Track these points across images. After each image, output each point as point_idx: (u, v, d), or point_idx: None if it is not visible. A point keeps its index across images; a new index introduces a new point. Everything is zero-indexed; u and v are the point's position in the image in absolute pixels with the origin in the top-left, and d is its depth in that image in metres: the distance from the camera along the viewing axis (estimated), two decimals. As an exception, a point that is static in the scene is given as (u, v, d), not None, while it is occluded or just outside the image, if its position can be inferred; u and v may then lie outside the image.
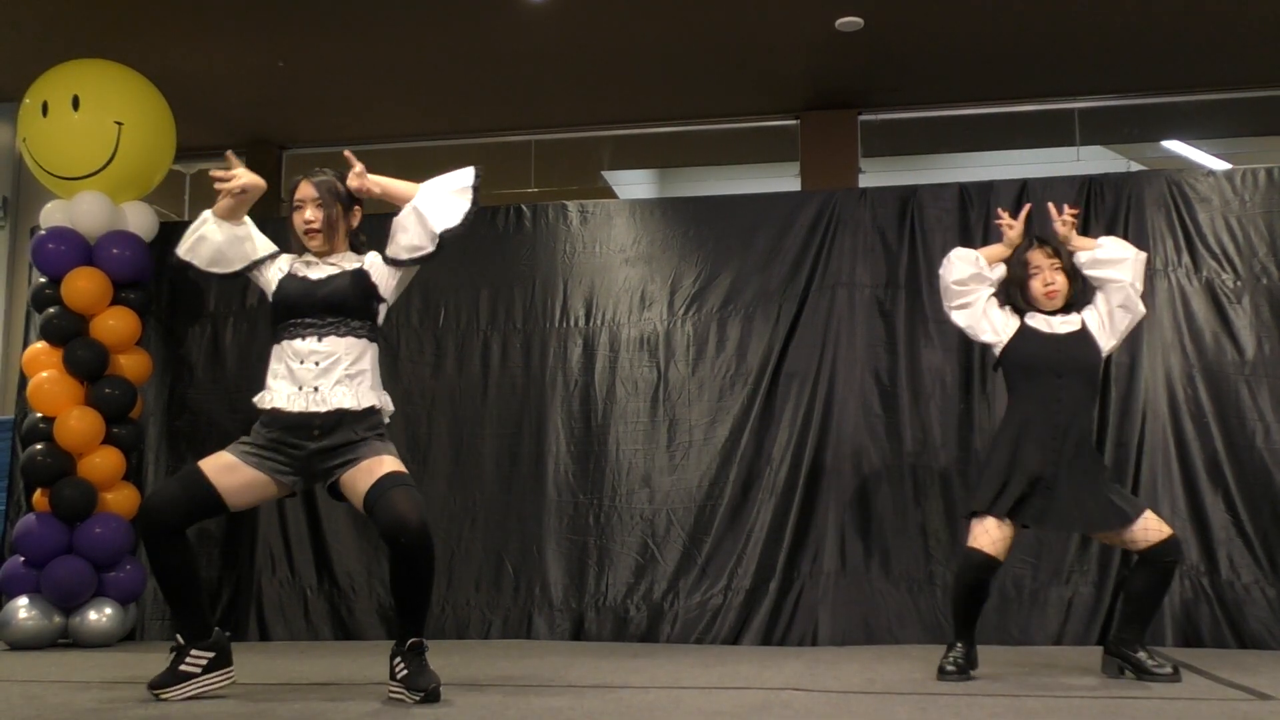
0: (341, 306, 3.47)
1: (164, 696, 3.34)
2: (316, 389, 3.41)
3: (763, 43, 5.92)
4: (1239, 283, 5.20)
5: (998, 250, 4.13)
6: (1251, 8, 5.46)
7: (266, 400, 3.47)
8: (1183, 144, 7.44)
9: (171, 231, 5.99)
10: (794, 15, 5.62)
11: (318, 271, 3.55)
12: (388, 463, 3.39)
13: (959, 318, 4.08)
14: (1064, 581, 5.08)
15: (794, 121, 6.82)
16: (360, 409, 3.43)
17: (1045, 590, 5.10)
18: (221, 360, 5.93)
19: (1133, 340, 5.17)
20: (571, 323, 5.70)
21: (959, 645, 3.91)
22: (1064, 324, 3.98)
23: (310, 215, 3.53)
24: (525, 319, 5.74)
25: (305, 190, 3.55)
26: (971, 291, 4.04)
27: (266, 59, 6.13)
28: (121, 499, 5.43)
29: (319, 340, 3.45)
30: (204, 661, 3.42)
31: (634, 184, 8.36)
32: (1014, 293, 4.06)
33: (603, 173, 8.08)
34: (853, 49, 5.93)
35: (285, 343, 3.48)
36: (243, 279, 3.68)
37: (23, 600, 5.18)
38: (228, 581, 5.74)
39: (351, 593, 5.62)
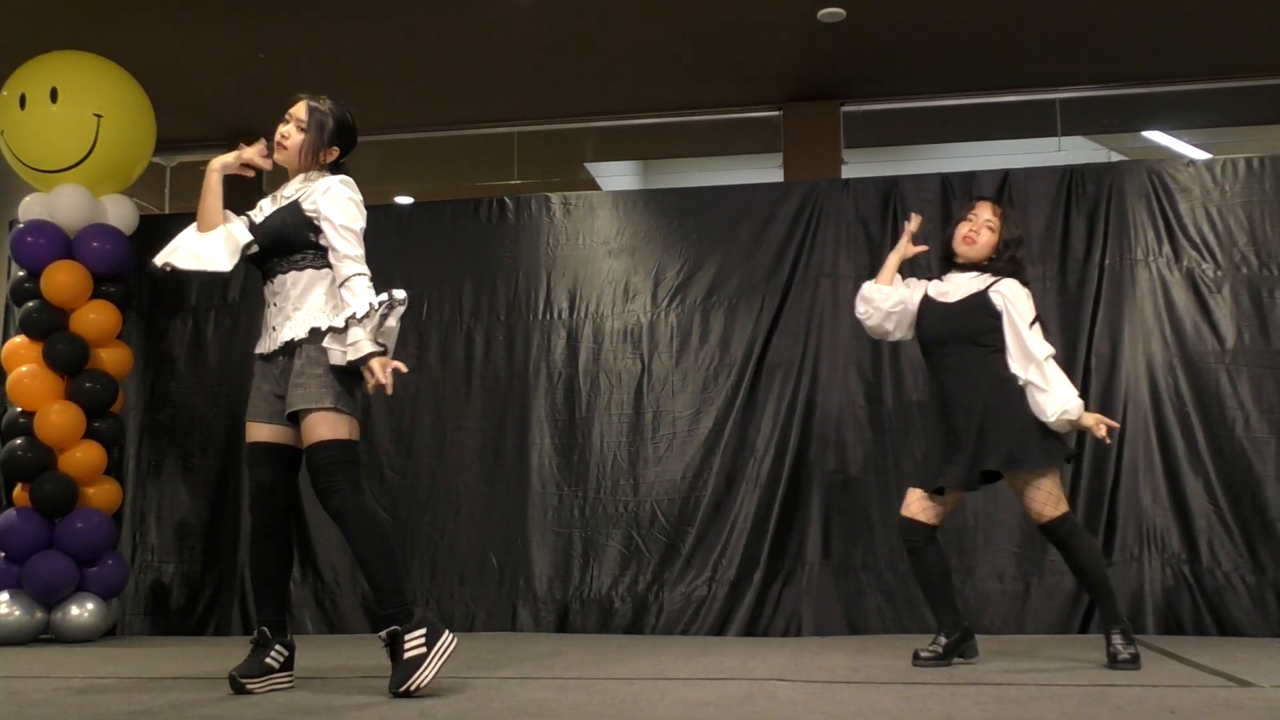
0: (280, 242, 3.44)
1: (250, 687, 3.31)
2: (274, 329, 3.44)
3: (745, 34, 5.91)
4: (1219, 272, 5.22)
5: (891, 262, 4.24)
6: (1231, -2, 5.49)
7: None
8: (1164, 134, 7.46)
9: (152, 225, 5.97)
10: (776, 6, 5.61)
11: (268, 207, 3.53)
12: (318, 429, 3.30)
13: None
14: (1046, 571, 5.10)
15: (777, 113, 6.82)
16: (304, 335, 3.36)
17: (1027, 580, 5.13)
18: (203, 354, 5.91)
19: (1114, 330, 5.21)
20: (555, 315, 5.69)
21: (941, 634, 3.95)
22: (963, 289, 4.00)
23: (286, 131, 3.53)
24: (508, 311, 5.73)
25: (299, 109, 3.55)
26: (886, 327, 4.22)
27: (247, 50, 6.09)
28: (103, 494, 5.40)
29: (272, 281, 3.47)
30: (281, 658, 3.42)
31: (617, 175, 8.33)
32: (947, 237, 4.12)
33: (586, 164, 8.06)
34: (835, 40, 5.92)
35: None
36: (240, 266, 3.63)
37: (4, 596, 5.15)
38: (211, 575, 5.73)
39: (335, 586, 5.62)
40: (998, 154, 7.33)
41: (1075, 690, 3.31)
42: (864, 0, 5.57)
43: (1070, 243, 5.36)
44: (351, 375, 3.37)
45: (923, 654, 3.90)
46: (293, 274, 3.43)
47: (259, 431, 3.44)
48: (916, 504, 4.01)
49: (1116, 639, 3.79)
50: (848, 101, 6.71)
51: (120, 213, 5.60)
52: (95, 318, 5.40)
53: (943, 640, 3.93)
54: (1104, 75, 6.39)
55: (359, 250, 3.41)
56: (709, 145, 7.71)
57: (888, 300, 4.16)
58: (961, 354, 3.93)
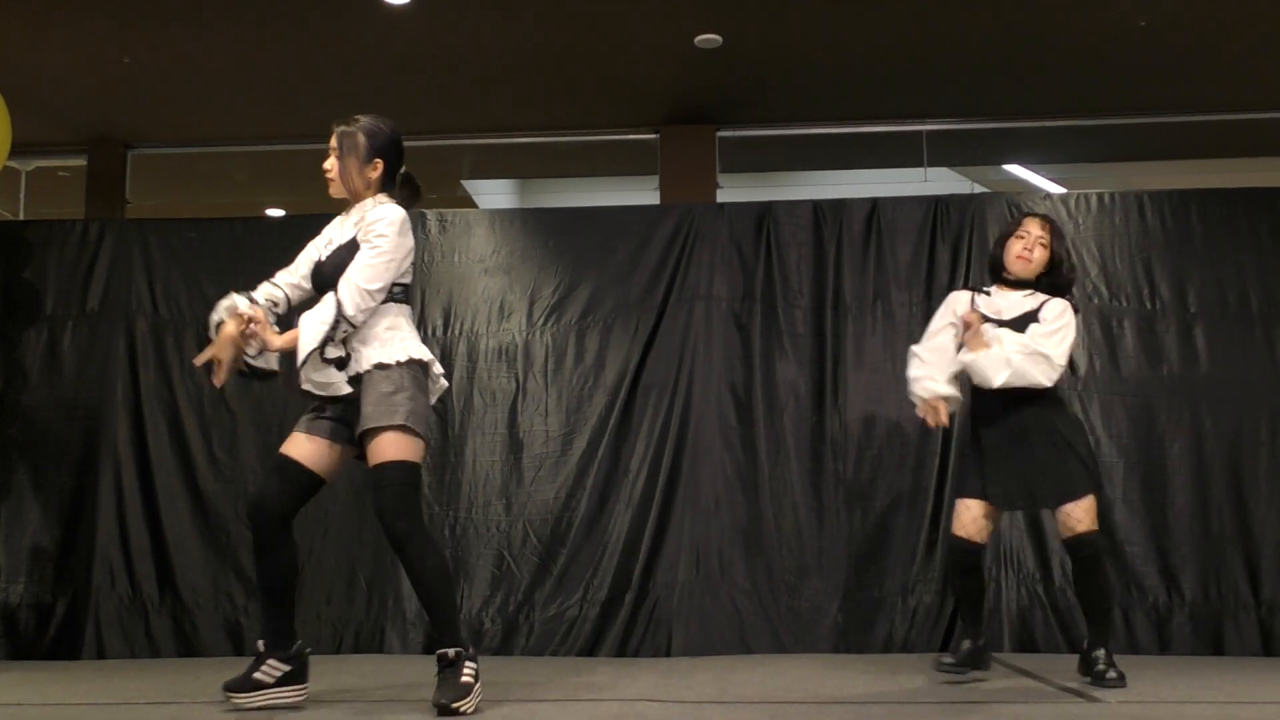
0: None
1: (236, 700, 3.33)
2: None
3: (624, 56, 5.96)
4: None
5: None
6: (1089, 40, 5.74)
7: None
8: (1023, 168, 7.75)
9: (7, 230, 5.74)
10: (654, 31, 5.68)
11: (334, 240, 3.57)
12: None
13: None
14: (909, 590, 5.23)
15: (654, 135, 6.89)
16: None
17: (891, 599, 5.24)
18: (59, 366, 5.68)
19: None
20: (429, 332, 5.63)
21: (966, 640, 4.03)
22: (1016, 307, 4.01)
23: (328, 165, 3.59)
24: (381, 327, 5.64)
25: (331, 139, 3.60)
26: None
27: (111, 52, 5.90)
28: (-54, 511, 5.15)
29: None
30: (278, 673, 3.42)
31: (494, 194, 8.30)
32: (997, 255, 4.11)
33: (462, 181, 8.01)
34: (712, 66, 6.02)
35: None
36: None
37: None
38: (62, 597, 5.49)
39: (195, 607, 5.44)
40: (868, 183, 7.52)
41: (933, 707, 3.41)
42: (740, 29, 5.68)
43: (935, 270, 5.52)
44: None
45: (944, 660, 3.98)
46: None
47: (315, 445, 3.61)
48: (966, 519, 3.95)
49: (1101, 654, 3.84)
50: (723, 126, 6.81)
51: (-29, 218, 5.36)
52: (-58, 327, 5.16)
53: (967, 645, 4.01)
54: (969, 109, 6.62)
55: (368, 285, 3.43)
56: (586, 165, 7.74)
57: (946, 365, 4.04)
58: None
